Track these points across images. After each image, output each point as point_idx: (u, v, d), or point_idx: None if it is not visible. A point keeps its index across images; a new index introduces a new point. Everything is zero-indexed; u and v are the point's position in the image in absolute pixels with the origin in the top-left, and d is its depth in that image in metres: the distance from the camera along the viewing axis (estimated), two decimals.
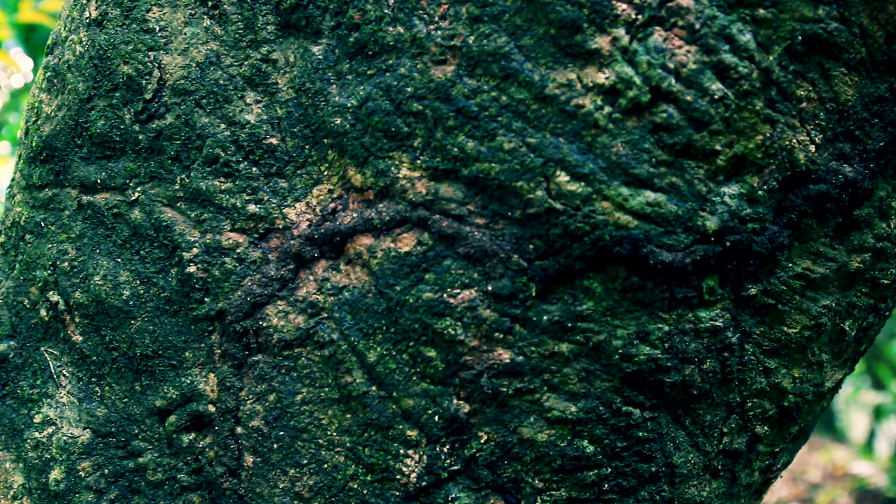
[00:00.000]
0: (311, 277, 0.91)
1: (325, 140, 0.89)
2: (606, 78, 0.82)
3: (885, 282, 1.00)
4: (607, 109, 0.82)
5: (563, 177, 0.83)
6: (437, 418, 0.88)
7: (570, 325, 0.86)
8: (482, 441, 0.89)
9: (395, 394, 0.88)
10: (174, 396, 0.96)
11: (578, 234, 0.83)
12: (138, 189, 0.96)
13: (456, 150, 0.84)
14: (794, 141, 0.87)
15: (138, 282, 0.96)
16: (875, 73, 0.88)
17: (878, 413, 5.72)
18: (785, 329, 0.95)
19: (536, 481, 0.91)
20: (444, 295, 0.86)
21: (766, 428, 1.00)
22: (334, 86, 0.89)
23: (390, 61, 0.86)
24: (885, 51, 0.87)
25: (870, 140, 0.90)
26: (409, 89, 0.85)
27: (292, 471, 0.92)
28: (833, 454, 5.96)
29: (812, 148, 0.88)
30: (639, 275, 0.86)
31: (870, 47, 0.87)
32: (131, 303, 0.97)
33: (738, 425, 0.98)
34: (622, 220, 0.83)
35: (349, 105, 0.87)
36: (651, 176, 0.83)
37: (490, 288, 0.85)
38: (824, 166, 0.89)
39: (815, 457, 6.26)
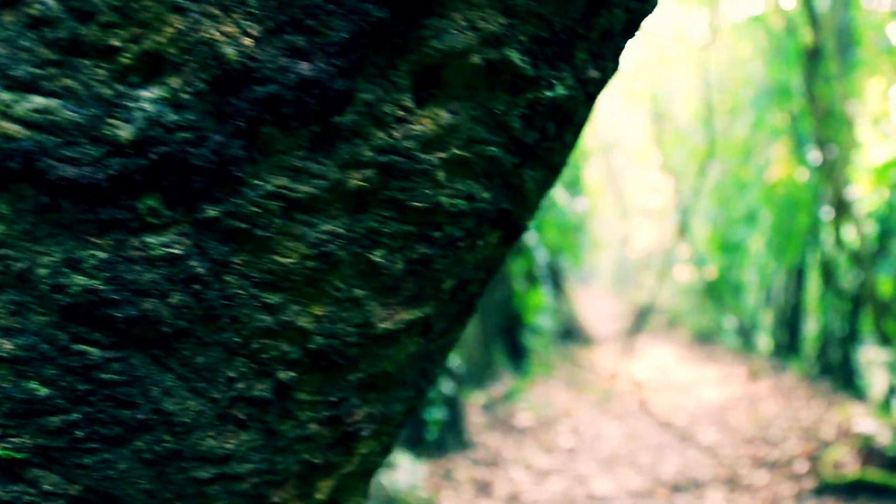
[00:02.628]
0: None
1: None
2: None
3: (419, 205, 0.85)
4: None
5: None
6: None
7: None
8: None
9: None
10: None
11: None
12: None
13: None
14: (217, 33, 0.73)
15: None
16: None
17: (894, 370, 5.29)
18: (279, 259, 0.82)
19: None
20: None
21: (293, 374, 0.88)
22: None
23: None
24: None
25: (330, 31, 0.75)
26: None
27: None
28: (850, 411, 5.55)
29: (247, 41, 0.74)
30: (48, 194, 0.75)
31: None
32: None
33: (252, 370, 0.86)
34: (10, 130, 0.73)
35: None
36: (36, 78, 0.72)
37: None
38: (271, 63, 0.75)
39: (831, 414, 5.86)
